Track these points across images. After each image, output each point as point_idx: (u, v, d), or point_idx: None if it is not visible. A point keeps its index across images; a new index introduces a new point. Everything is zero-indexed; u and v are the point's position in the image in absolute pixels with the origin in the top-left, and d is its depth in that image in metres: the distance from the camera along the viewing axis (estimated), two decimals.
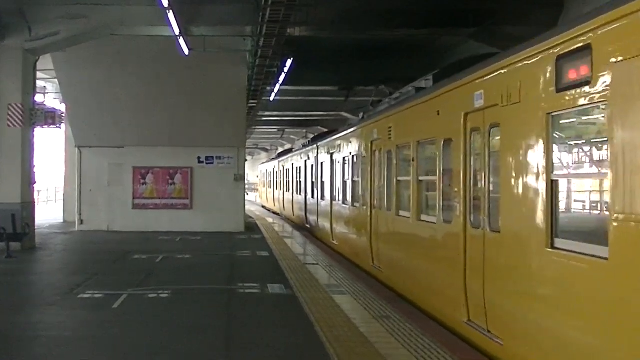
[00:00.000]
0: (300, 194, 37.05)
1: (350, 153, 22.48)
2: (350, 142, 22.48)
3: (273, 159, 62.03)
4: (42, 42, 23.81)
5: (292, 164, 41.11)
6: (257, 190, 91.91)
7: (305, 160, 34.45)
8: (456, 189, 11.61)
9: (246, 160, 37.31)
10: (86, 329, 12.16)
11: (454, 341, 11.02)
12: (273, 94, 36.92)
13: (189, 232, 30.54)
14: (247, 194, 45.86)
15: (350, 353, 9.97)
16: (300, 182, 37.25)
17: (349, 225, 22.87)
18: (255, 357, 10.21)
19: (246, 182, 35.43)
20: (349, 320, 12.18)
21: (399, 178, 16.14)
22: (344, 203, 23.75)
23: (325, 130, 42.14)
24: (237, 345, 10.80)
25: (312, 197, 32.10)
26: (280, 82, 32.18)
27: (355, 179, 21.77)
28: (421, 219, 14.10)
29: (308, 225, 33.78)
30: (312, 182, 32.03)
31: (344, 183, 23.81)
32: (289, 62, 28.10)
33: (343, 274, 18.02)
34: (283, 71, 29.56)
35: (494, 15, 22.64)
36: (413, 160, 14.65)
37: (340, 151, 24.59)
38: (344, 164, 23.90)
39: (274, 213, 51.18)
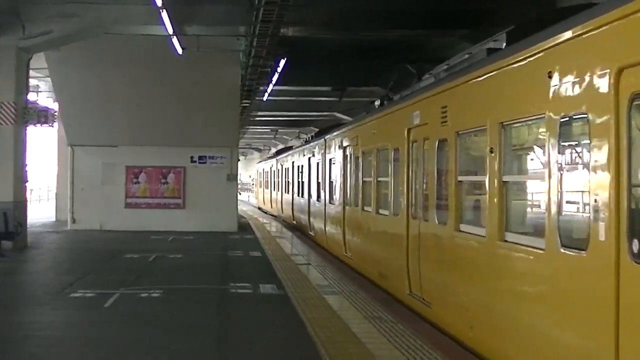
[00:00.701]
0: (302, 196, 33.92)
1: (374, 147, 18.17)
2: (374, 132, 18.51)
3: (270, 157, 59.72)
4: (36, 40, 23.75)
5: (293, 162, 38.25)
6: (251, 190, 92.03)
7: (309, 158, 31.47)
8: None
9: (239, 160, 37.28)
10: (77, 328, 12.13)
11: (446, 342, 11.05)
12: (266, 94, 36.91)
13: (181, 231, 30.48)
14: (240, 194, 45.80)
15: (342, 353, 9.97)
16: (302, 182, 34.13)
17: (368, 234, 19.07)
18: (246, 357, 10.20)
19: (239, 182, 35.41)
20: (341, 321, 12.18)
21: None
22: (364, 209, 19.28)
23: (318, 129, 41.41)
24: (228, 345, 10.80)
25: (318, 200, 28.38)
26: (274, 82, 32.16)
27: (383, 178, 17.52)
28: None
29: (312, 233, 30.18)
30: (318, 183, 28.54)
31: (360, 184, 19.92)
32: (282, 62, 28.09)
33: (335, 274, 18.02)
34: (276, 71, 29.55)
35: (493, 16, 22.58)
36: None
37: (356, 144, 20.53)
38: (362, 160, 19.84)
39: (272, 216, 48.20)
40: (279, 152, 52.14)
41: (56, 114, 27.77)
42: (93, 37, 25.69)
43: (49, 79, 32.18)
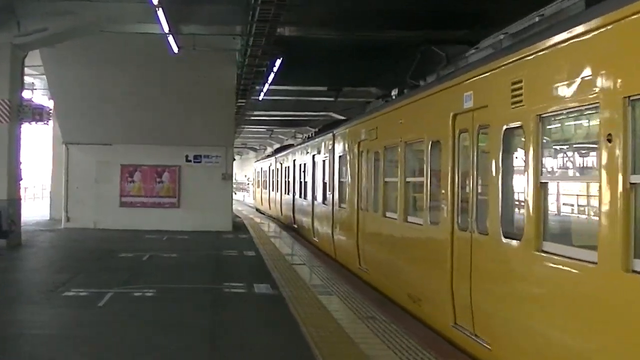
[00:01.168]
0: (304, 198, 31.17)
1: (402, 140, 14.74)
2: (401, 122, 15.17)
3: (269, 155, 55.18)
4: (31, 37, 23.69)
5: (294, 161, 35.34)
6: (246, 190, 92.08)
7: (314, 155, 28.53)
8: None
9: (234, 159, 37.24)
10: (71, 327, 12.09)
11: (439, 342, 11.02)
12: (262, 94, 36.86)
13: (176, 230, 30.43)
14: (235, 194, 45.67)
15: (335, 354, 9.95)
16: (305, 183, 31.27)
17: (393, 246, 15.67)
18: (240, 356, 10.17)
19: (234, 181, 35.34)
20: (335, 321, 12.16)
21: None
22: (385, 215, 16.27)
23: (314, 129, 40.69)
24: (222, 345, 10.78)
25: (324, 202, 25.57)
26: (270, 81, 32.12)
27: (412, 178, 14.42)
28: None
29: (316, 239, 27.22)
30: (325, 184, 25.61)
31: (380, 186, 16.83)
32: (278, 62, 28.05)
33: (329, 274, 17.99)
34: (272, 71, 29.50)
35: (494, 17, 22.36)
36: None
37: (375, 137, 17.36)
38: (383, 157, 16.70)
39: (271, 218, 45.45)
40: (278, 150, 50.24)
41: (51, 111, 27.70)
42: (88, 35, 25.65)
43: (44, 76, 32.11)
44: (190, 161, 32.07)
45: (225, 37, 26.33)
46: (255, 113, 49.04)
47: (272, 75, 30.49)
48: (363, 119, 19.21)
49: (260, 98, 38.64)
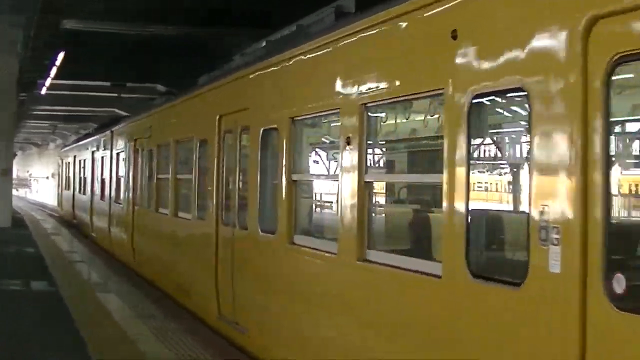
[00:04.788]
0: (84, 194, 30.25)
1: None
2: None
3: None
4: None
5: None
6: (29, 186, 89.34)
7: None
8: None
9: (16, 154, 36.12)
10: None
11: (211, 339, 11.12)
12: (44, 88, 35.95)
13: None
14: (17, 190, 44.29)
15: (112, 352, 9.94)
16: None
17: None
18: (10, 356, 9.87)
19: (15, 178, 34.34)
20: (113, 319, 12.10)
21: None
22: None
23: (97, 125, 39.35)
24: None
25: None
26: (52, 75, 31.37)
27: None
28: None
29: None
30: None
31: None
32: (60, 55, 27.44)
33: (109, 272, 17.86)
34: (54, 64, 28.82)
35: (286, 16, 22.46)
36: None
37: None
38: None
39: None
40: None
41: None
42: None
43: None
44: None
45: (6, 27, 25.54)
46: (39, 107, 47.78)
47: (54, 69, 29.78)
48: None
49: (43, 92, 37.68)
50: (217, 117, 11.69)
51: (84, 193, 30.21)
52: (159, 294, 15.28)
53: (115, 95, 38.39)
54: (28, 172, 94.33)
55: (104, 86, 37.14)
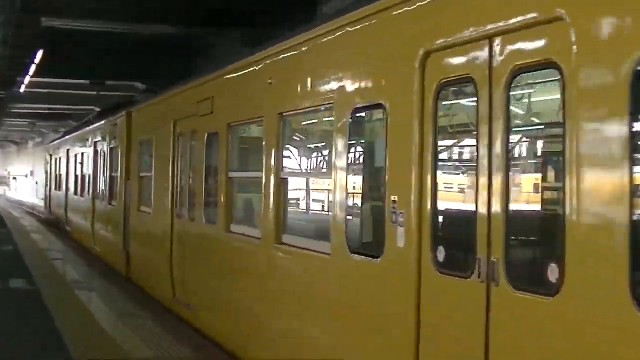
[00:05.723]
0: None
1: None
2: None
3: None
4: None
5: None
6: (7, 184, 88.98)
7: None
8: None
9: None
10: None
11: (194, 338, 11.24)
12: (23, 86, 35.84)
13: None
14: None
15: (91, 350, 9.98)
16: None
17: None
18: None
19: None
20: (93, 318, 12.14)
21: None
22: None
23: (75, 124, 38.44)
24: None
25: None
26: (31, 73, 31.27)
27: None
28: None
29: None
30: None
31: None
32: (40, 54, 27.37)
33: (90, 270, 17.87)
34: (34, 62, 28.73)
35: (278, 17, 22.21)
36: None
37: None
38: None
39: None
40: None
41: None
42: None
43: None
44: None
45: None
46: (18, 106, 47.65)
47: (33, 67, 29.70)
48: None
49: (22, 90, 37.57)
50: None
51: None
52: (140, 293, 15.29)
53: (95, 93, 38.29)
54: (7, 170, 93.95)
55: (83, 84, 37.06)
